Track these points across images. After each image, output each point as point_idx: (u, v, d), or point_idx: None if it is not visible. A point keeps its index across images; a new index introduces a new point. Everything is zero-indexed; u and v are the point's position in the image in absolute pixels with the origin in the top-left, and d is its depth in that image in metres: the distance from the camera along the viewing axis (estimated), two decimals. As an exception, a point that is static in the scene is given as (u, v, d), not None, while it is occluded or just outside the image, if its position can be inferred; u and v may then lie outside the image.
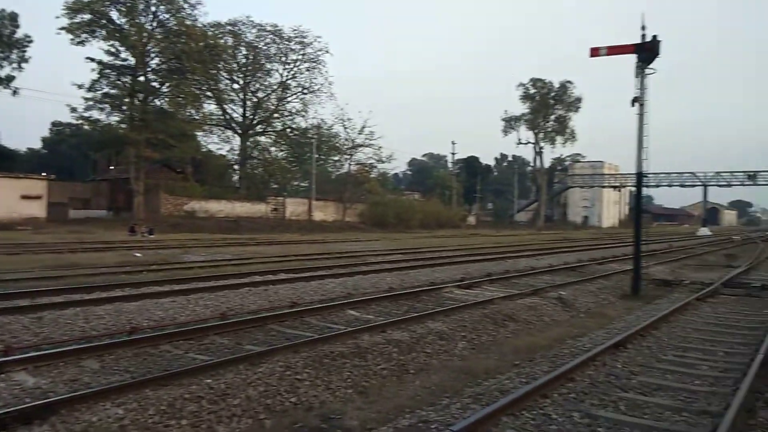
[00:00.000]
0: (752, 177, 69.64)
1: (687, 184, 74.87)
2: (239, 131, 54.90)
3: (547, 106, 71.32)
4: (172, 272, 15.13)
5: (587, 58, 13.77)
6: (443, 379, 6.84)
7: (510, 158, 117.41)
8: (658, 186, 75.62)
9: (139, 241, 27.96)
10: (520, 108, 73.12)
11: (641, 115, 13.50)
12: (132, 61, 41.20)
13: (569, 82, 71.51)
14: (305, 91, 55.95)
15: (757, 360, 7.15)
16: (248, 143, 55.71)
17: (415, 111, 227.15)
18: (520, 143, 73.72)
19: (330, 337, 7.67)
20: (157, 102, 44.09)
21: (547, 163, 78.62)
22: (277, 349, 7.01)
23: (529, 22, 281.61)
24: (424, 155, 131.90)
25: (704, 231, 64.32)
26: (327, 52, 54.58)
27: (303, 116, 56.92)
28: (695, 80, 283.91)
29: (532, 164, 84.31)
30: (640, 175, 14.15)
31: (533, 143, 73.82)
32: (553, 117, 71.95)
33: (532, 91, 71.52)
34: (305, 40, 54.04)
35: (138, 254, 19.74)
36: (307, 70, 55.36)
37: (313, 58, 54.84)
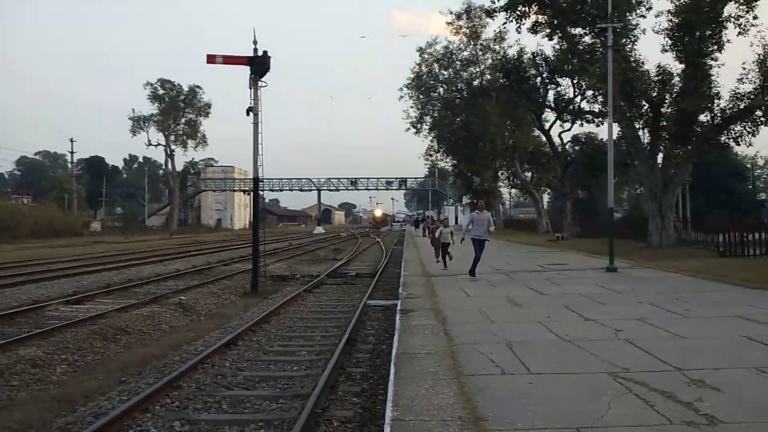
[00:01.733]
0: (354, 183, 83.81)
1: (305, 188, 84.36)
2: None
3: (177, 108, 69.91)
4: None
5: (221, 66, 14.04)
6: (30, 414, 5.91)
7: (141, 160, 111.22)
8: (281, 190, 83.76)
9: None
10: (149, 108, 69.89)
11: (256, 124, 14.41)
12: None
13: (198, 87, 71.52)
14: None
15: (343, 340, 8.40)
16: None
17: (28, 105, 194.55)
18: (150, 145, 70.58)
19: None
20: None
21: (180, 167, 77.16)
22: None
23: (161, 22, 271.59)
24: (37, 153, 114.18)
25: (319, 230, 73.08)
26: None
27: None
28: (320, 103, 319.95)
29: (164, 167, 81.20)
30: (256, 180, 15.13)
31: (164, 146, 71.33)
32: (183, 120, 70.85)
33: (161, 92, 69.13)
34: None
35: None
36: None
37: None
